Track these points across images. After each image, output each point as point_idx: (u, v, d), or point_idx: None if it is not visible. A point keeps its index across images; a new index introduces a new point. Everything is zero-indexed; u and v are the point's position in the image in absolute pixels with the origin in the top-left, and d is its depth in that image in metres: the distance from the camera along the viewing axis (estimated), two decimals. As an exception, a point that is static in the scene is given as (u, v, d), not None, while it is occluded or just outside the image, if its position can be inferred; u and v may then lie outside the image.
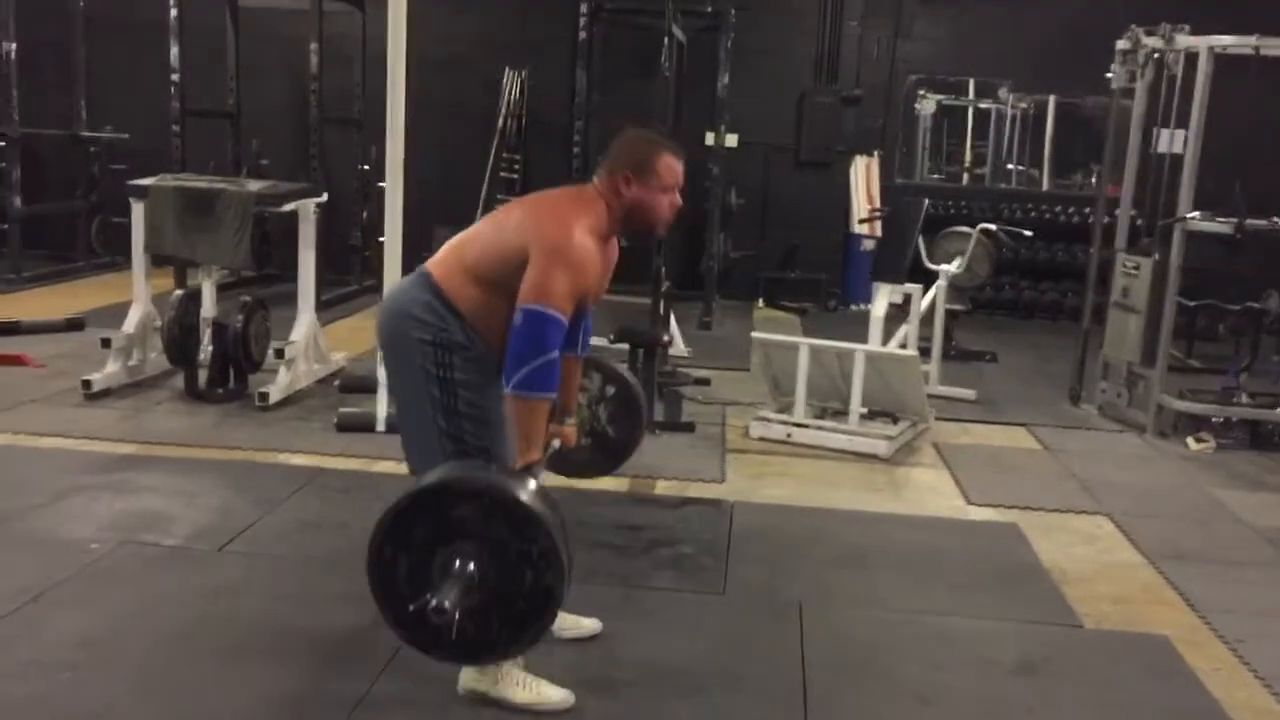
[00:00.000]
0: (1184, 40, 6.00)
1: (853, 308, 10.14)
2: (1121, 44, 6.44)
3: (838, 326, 8.55)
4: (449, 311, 2.90)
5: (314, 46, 8.54)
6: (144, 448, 5.07)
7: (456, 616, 2.44)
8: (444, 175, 9.65)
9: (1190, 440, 6.01)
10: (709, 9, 8.75)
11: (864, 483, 5.17)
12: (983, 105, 11.38)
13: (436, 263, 3.01)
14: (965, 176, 11.21)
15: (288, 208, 6.10)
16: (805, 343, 5.71)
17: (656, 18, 8.91)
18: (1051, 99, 10.94)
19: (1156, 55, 6.23)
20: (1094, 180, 11.26)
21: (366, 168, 9.49)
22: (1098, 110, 10.63)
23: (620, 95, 9.49)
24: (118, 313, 7.75)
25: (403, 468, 4.88)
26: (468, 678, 3.01)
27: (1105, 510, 4.92)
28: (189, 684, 3.05)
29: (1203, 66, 5.85)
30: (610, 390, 3.53)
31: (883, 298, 6.24)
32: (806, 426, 5.67)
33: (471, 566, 2.48)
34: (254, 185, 5.97)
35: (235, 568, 3.82)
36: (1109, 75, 6.56)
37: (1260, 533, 4.75)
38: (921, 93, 10.87)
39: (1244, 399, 6.14)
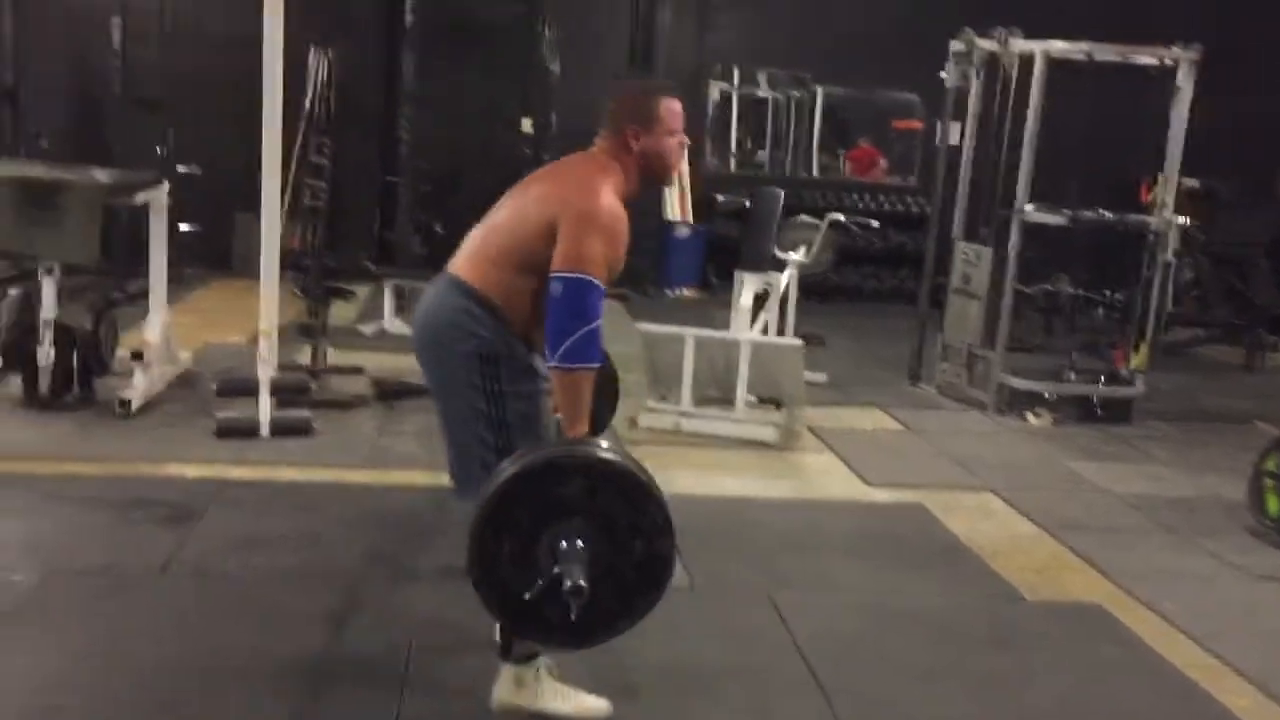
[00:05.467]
0: (1019, 44, 6.45)
1: (668, 293, 10.35)
2: (956, 45, 6.85)
3: (662, 312, 8.69)
4: (486, 311, 2.80)
5: (116, 20, 7.94)
6: (6, 464, 4.60)
7: (584, 595, 2.38)
8: (249, 160, 9.14)
9: (1029, 415, 6.50)
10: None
11: (765, 470, 5.32)
12: (760, 94, 11.86)
13: (461, 263, 2.89)
14: (766, 165, 11.64)
15: (139, 199, 5.65)
16: (691, 333, 5.80)
17: (478, 3, 8.82)
18: (820, 90, 11.50)
19: (990, 57, 6.67)
20: (840, 165, 12.06)
21: (164, 151, 8.89)
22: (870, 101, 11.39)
23: (442, 80, 9.28)
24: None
25: (306, 474, 4.74)
26: (503, 692, 2.93)
27: (987, 485, 5.26)
28: (207, 721, 2.84)
29: (1038, 69, 6.30)
30: None
31: (749, 288, 6.40)
32: (695, 416, 5.78)
33: (579, 544, 2.42)
34: (102, 175, 5.50)
35: (189, 592, 3.56)
36: (942, 75, 6.98)
37: (1123, 499, 5.21)
38: (712, 81, 11.18)
39: (1073, 376, 6.69)
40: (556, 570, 2.41)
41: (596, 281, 2.68)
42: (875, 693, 3.23)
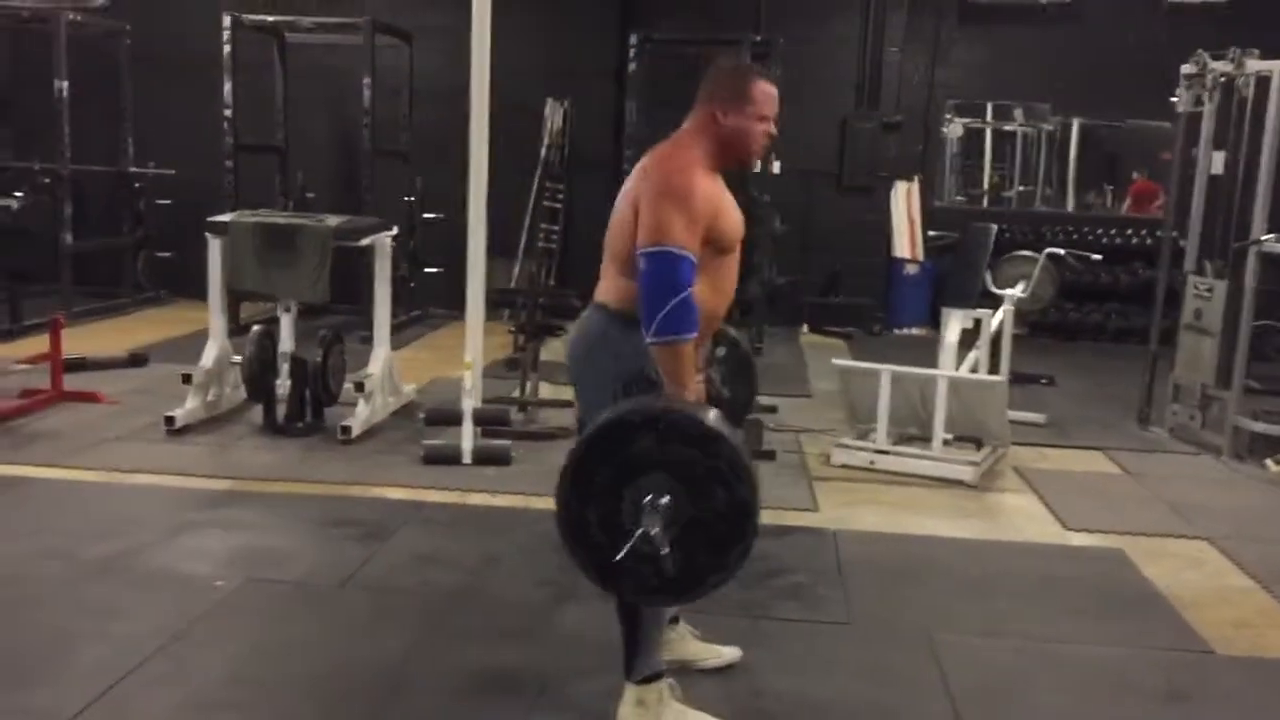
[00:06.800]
0: (1255, 64, 6.03)
1: (896, 332, 10.18)
2: (1187, 68, 6.48)
3: (885, 351, 8.59)
4: (623, 330, 2.81)
5: (367, 81, 8.60)
6: (238, 483, 5.07)
7: (665, 546, 2.41)
8: (487, 205, 9.67)
9: (1270, 462, 6.00)
10: (758, 38, 8.80)
11: (957, 509, 5.16)
12: (1007, 128, 11.51)
13: (601, 286, 2.95)
14: (1014, 200, 11.33)
15: (364, 242, 6.11)
16: (887, 369, 5.71)
17: (702, 47, 8.99)
18: (1076, 122, 11.06)
19: (1224, 79, 6.26)
20: (1107, 200, 11.48)
21: (412, 199, 9.53)
22: (1122, 132, 10.81)
23: (665, 125, 9.52)
24: (177, 347, 7.83)
25: (496, 500, 4.98)
26: (625, 712, 2.99)
27: (1203, 534, 4.90)
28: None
29: (1275, 90, 5.88)
30: (720, 351, 3.53)
31: (955, 324, 6.24)
32: (889, 453, 5.67)
33: (664, 498, 2.45)
34: (332, 220, 5.98)
35: (363, 604, 3.81)
36: (1174, 99, 6.60)
37: (1361, 555, 4.74)
38: (948, 116, 10.94)
39: (1321, 420, 6.14)
40: (640, 530, 2.43)
41: (679, 251, 2.67)
42: (1019, 740, 3.09)
